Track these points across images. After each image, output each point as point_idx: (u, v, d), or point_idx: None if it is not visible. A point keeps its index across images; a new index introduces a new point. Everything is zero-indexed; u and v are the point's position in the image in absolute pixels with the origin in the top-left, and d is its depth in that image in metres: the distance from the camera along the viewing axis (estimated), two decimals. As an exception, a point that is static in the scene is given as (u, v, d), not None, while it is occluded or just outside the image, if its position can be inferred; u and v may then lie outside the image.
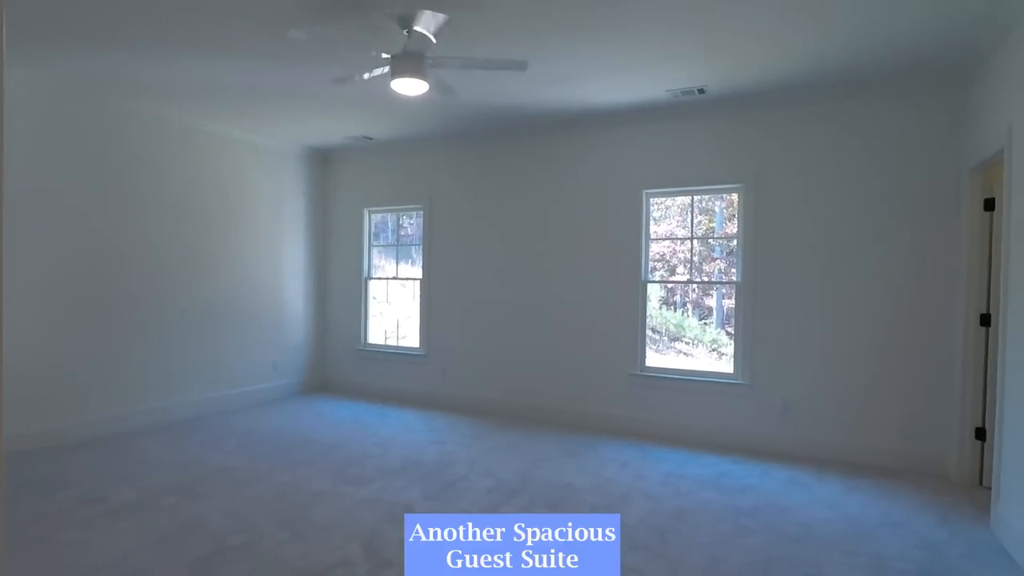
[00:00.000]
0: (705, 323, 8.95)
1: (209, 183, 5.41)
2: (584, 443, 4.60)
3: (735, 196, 4.86)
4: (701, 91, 4.36)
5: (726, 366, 5.09)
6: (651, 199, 5.11)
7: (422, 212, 6.05)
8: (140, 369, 4.88)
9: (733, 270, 4.93)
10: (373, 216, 6.48)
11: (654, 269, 5.68)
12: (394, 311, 6.74)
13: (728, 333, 9.28)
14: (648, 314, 5.10)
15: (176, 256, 5.16)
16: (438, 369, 5.91)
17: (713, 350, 8.91)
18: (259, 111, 4.99)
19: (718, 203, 6.75)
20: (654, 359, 5.45)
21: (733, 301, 4.81)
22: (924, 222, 4.05)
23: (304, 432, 4.80)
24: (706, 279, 6.32)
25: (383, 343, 6.54)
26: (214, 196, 5.45)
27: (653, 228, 5.39)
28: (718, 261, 8.69)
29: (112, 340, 4.69)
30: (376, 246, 6.54)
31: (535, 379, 5.40)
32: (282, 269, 6.14)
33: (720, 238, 7.46)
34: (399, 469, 3.91)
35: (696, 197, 5.35)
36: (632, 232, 4.99)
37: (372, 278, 6.46)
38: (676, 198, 5.45)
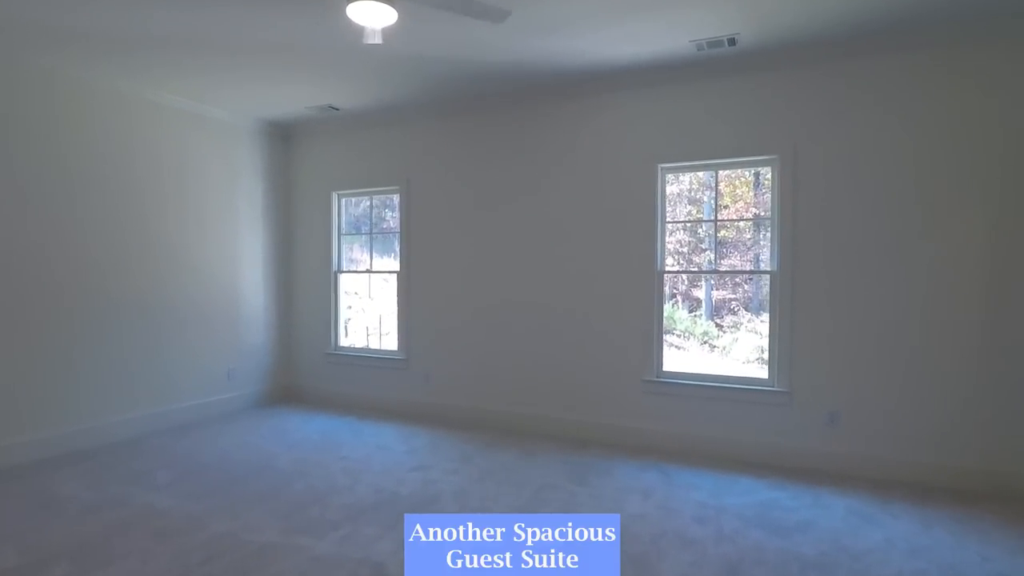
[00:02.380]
0: (695, 315, 8.44)
1: (145, 161, 4.55)
2: (594, 464, 3.87)
3: (765, 171, 4.13)
4: (731, 42, 3.62)
5: (759, 370, 4.39)
6: (666, 175, 4.37)
7: (398, 195, 5.25)
8: (63, 384, 4.04)
9: (762, 257, 4.22)
10: (343, 200, 5.66)
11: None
12: (377, 308, 5.96)
13: (718, 325, 8.73)
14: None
15: (106, 247, 4.30)
16: (419, 375, 5.14)
17: (704, 343, 8.45)
18: (198, 71, 4.13)
19: (727, 181, 6.04)
20: (673, 362, 4.74)
21: (768, 291, 4.09)
22: (1006, 202, 3.36)
23: (259, 456, 4.00)
24: (724, 268, 5.60)
25: (356, 346, 5.74)
26: (152, 176, 4.59)
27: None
28: (707, 252, 8.09)
29: (24, 350, 3.84)
30: (349, 235, 5.73)
31: (531, 386, 4.65)
32: (237, 261, 5.31)
33: (747, 219, 6.78)
34: (371, 508, 3.14)
35: (702, 173, 4.64)
36: (645, 214, 4.25)
37: (343, 271, 5.65)
38: (688, 174, 4.73)
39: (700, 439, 4.07)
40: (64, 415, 4.07)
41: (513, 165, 4.71)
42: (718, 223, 4.36)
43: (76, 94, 4.11)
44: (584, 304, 4.46)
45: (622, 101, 4.31)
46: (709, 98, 4.06)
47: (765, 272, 4.11)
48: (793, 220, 3.86)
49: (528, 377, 4.67)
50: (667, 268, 4.39)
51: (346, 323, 5.79)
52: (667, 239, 4.41)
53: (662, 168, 4.27)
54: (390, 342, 5.57)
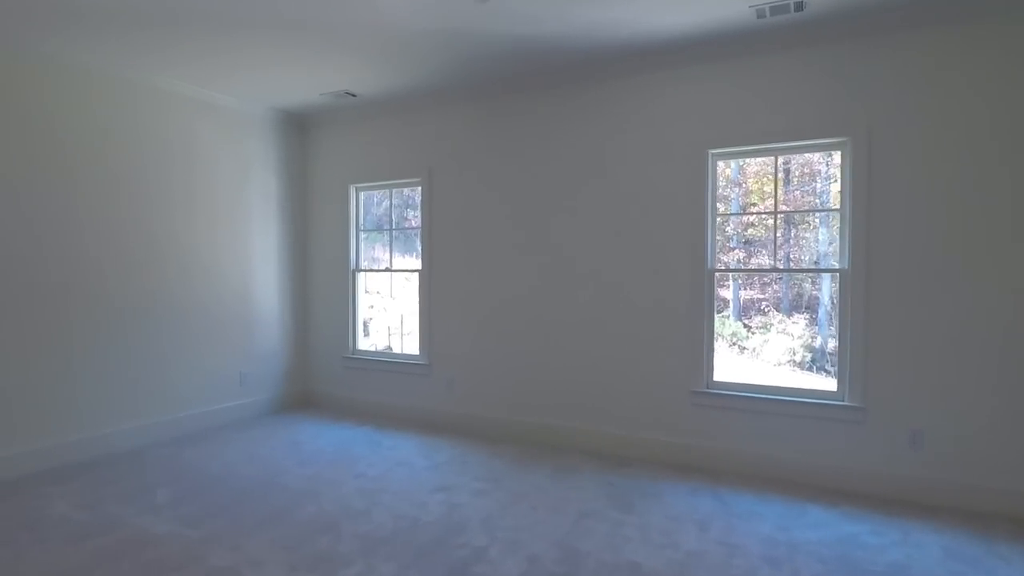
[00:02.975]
0: (724, 316, 8.08)
1: (150, 152, 4.24)
2: (639, 486, 3.44)
3: (836, 155, 3.66)
4: (799, 6, 3.16)
5: (828, 383, 3.91)
6: (717, 161, 3.92)
7: (420, 188, 4.87)
8: (60, 391, 3.75)
9: (833, 251, 3.73)
10: (361, 194, 5.30)
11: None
12: (399, 307, 5.59)
13: (747, 326, 8.23)
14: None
15: (108, 245, 4.01)
16: (442, 382, 4.76)
17: (734, 344, 8.02)
18: (206, 52, 3.80)
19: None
20: (725, 371, 4.28)
21: (837, 291, 3.62)
22: None
23: (268, 472, 3.66)
24: (793, 265, 5.11)
25: (376, 349, 5.39)
26: (158, 169, 4.29)
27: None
28: (736, 251, 7.59)
29: (18, 353, 3.55)
30: (368, 232, 5.38)
31: (565, 396, 4.24)
32: (250, 260, 4.99)
33: (822, 210, 6.33)
34: (387, 538, 2.77)
35: (762, 158, 4.16)
36: (694, 207, 3.81)
37: (361, 270, 5.30)
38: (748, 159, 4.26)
39: (757, 458, 3.62)
40: (62, 424, 3.78)
41: (546, 153, 4.30)
42: (778, 214, 3.88)
43: (75, 81, 3.81)
44: (625, 307, 4.03)
45: (669, 79, 3.87)
46: (770, 73, 3.59)
47: (834, 270, 3.64)
48: (867, 212, 3.38)
49: (562, 386, 4.26)
50: (718, 266, 3.92)
51: (366, 324, 5.45)
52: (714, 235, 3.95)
53: (712, 154, 3.82)
54: (413, 344, 5.20)
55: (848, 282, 3.47)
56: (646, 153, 3.95)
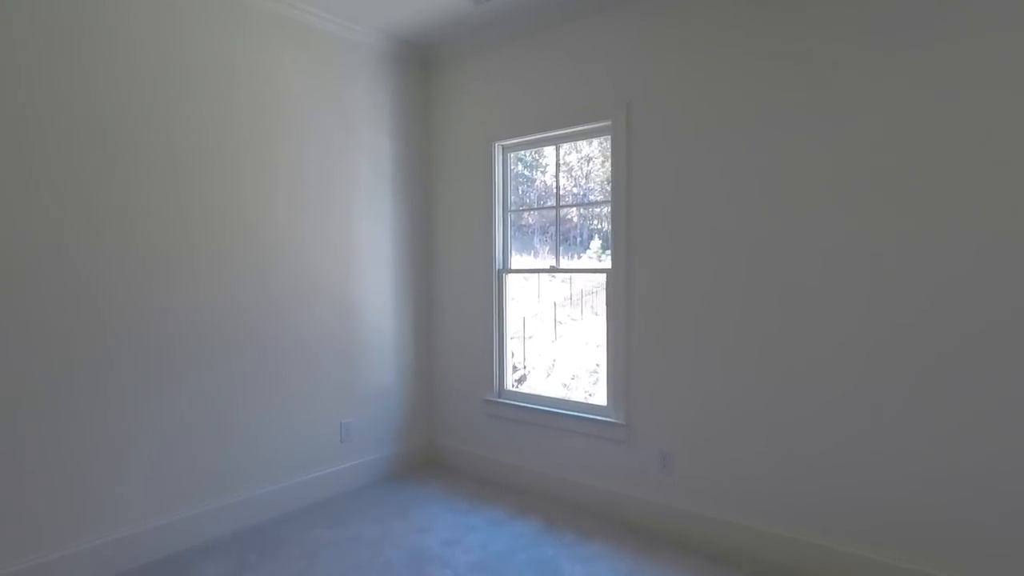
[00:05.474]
0: None
1: (207, 90, 2.75)
2: None
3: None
4: None
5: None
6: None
7: (608, 138, 3.03)
8: (70, 473, 2.34)
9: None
10: (509, 156, 3.56)
11: None
12: (562, 330, 3.78)
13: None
14: None
15: (138, 234, 2.56)
16: (649, 455, 2.86)
17: None
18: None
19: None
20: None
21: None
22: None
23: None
24: None
25: (535, 392, 3.62)
26: (217, 117, 2.80)
27: None
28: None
29: (6, 413, 2.16)
30: (517, 211, 3.63)
31: (894, 491, 2.20)
32: (355, 257, 3.43)
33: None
34: None
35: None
36: None
37: (511, 270, 3.56)
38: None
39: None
40: (74, 525, 2.36)
41: (833, 74, 2.28)
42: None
43: (84, -30, 2.37)
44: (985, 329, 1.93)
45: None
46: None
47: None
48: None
49: (903, 489, 2.22)
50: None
51: (514, 358, 3.70)
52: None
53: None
54: (596, 388, 3.37)
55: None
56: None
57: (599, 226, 3.36)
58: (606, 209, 3.11)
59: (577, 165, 3.48)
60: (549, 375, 3.74)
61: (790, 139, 2.43)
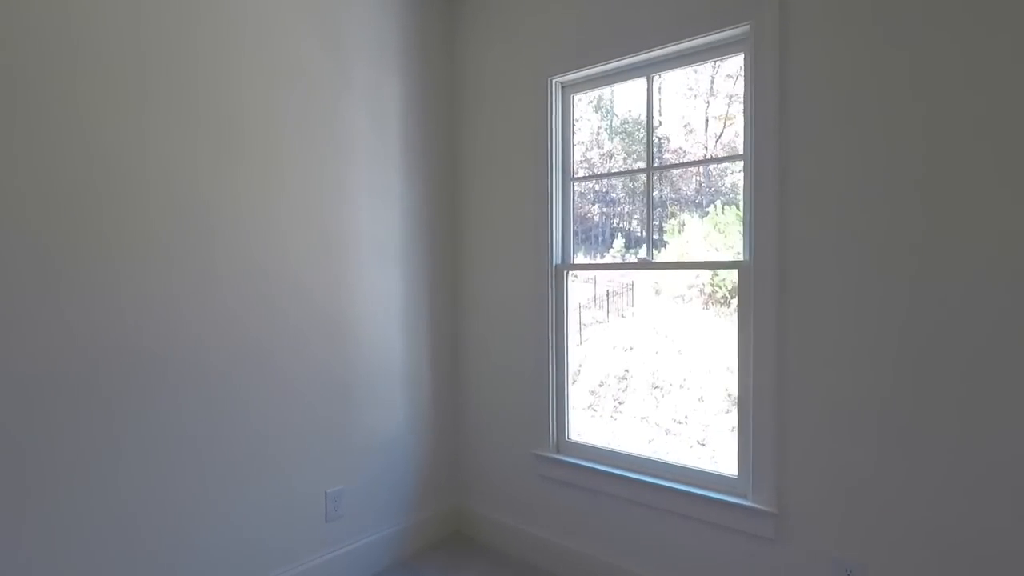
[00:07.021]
0: None
1: (142, 17, 1.72)
2: None
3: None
4: None
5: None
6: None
7: (743, 57, 1.94)
8: None
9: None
10: (575, 98, 2.46)
11: None
12: (599, 334, 2.63)
13: None
14: None
15: (64, 217, 1.53)
16: (819, 567, 1.74)
17: None
18: None
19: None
20: None
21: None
22: None
23: None
24: None
25: (613, 447, 2.49)
26: (155, 54, 1.76)
27: None
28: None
29: None
30: (585, 179, 2.54)
31: None
32: (349, 250, 2.35)
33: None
34: None
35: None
36: None
37: (575, 266, 2.45)
38: None
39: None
40: None
41: None
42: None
43: None
44: None
45: None
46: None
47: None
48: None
49: None
50: None
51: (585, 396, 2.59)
52: None
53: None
54: (718, 448, 2.24)
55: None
56: None
57: (621, 224, 2.73)
58: (629, 207, 2.02)
59: (680, 106, 2.35)
60: (576, 381, 2.63)
61: None
